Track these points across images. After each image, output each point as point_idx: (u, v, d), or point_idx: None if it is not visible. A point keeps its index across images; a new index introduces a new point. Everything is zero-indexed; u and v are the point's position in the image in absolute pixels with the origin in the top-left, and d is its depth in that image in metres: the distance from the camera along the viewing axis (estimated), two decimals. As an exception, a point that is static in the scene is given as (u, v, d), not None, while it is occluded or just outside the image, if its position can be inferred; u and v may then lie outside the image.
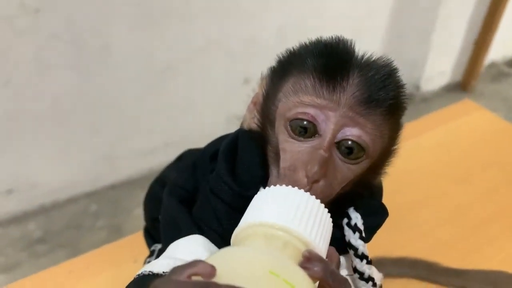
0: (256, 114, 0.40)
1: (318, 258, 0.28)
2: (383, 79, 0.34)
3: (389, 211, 0.66)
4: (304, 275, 0.28)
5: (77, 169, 1.47)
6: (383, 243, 0.62)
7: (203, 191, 0.41)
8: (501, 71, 2.20)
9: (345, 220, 0.39)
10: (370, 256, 0.56)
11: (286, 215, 0.30)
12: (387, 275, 0.58)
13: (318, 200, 0.32)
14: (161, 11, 1.31)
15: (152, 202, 0.49)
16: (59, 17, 1.19)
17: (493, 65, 2.19)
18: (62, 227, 1.42)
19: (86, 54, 1.28)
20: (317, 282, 0.29)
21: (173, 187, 0.44)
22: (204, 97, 1.45)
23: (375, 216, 0.40)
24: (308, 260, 0.28)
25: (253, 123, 0.40)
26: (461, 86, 2.08)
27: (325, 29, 1.66)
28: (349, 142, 0.34)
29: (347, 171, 0.35)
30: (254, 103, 0.41)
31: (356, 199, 0.39)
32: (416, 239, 0.65)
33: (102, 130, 1.44)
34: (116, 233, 1.40)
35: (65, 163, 1.44)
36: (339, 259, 0.32)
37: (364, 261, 0.39)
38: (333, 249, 0.32)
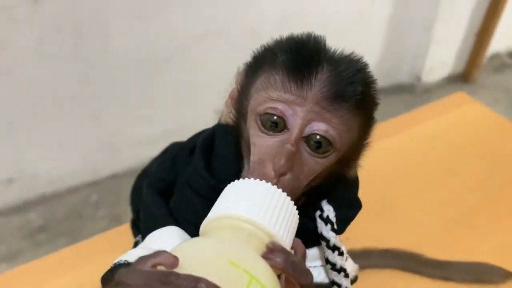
0: (232, 109, 0.41)
1: (281, 249, 0.30)
2: (351, 75, 0.35)
3: (376, 202, 0.67)
4: (266, 265, 0.29)
5: (78, 159, 1.47)
6: (370, 233, 0.63)
7: (181, 184, 0.42)
8: (504, 62, 2.20)
9: (318, 213, 0.40)
10: (357, 247, 0.57)
11: (252, 207, 0.31)
12: (373, 266, 0.60)
13: (284, 193, 0.32)
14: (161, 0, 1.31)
15: (137, 194, 0.50)
16: (58, 6, 1.18)
17: (495, 56, 2.18)
18: (63, 217, 1.43)
19: (86, 44, 1.28)
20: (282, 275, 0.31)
21: (153, 179, 0.45)
22: (204, 86, 1.45)
23: (348, 208, 0.41)
24: (271, 251, 0.29)
25: (229, 118, 0.41)
26: (463, 77, 2.07)
27: (326, 18, 1.66)
28: (316, 137, 0.35)
29: (314, 164, 0.36)
30: (231, 98, 0.42)
31: (330, 192, 0.40)
32: (402, 230, 0.66)
33: (103, 120, 1.44)
34: (117, 222, 1.40)
35: (66, 152, 1.44)
36: (304, 250, 0.33)
37: (336, 252, 0.40)
38: (298, 240, 0.33)
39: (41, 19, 1.18)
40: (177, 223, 0.40)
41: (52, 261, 0.60)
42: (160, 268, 0.27)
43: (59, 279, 0.58)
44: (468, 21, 1.91)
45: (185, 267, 0.26)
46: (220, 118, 0.43)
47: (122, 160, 1.52)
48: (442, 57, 1.97)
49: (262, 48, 0.39)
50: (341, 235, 0.62)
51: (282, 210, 0.32)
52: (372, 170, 0.74)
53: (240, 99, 0.39)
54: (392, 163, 0.78)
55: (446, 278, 0.59)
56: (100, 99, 1.40)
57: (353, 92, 0.35)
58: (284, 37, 0.38)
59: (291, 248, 0.32)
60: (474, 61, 2.00)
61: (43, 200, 1.46)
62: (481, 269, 0.59)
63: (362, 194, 0.69)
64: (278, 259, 0.29)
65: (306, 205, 0.39)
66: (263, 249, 0.30)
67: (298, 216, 0.34)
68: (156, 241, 0.39)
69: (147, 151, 1.58)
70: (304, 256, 0.33)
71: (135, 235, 0.52)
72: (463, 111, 0.91)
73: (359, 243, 0.61)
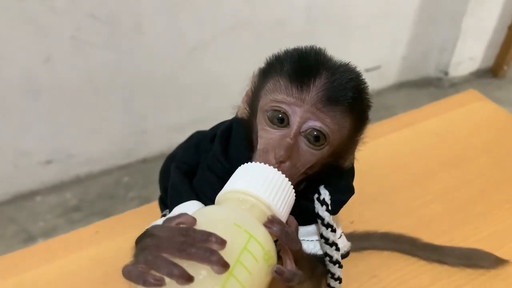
0: (246, 106, 0.48)
1: (278, 221, 0.37)
2: (344, 82, 0.41)
3: (379, 191, 0.74)
4: (265, 231, 0.36)
5: (111, 143, 1.55)
6: (372, 219, 0.69)
7: (202, 167, 0.50)
8: (536, 56, 2.15)
9: (316, 195, 0.47)
10: (359, 229, 0.65)
11: (255, 184, 0.38)
12: (373, 247, 0.65)
13: (283, 175, 0.39)
14: (192, -9, 1.35)
15: (165, 175, 0.57)
16: (94, -3, 1.24)
17: (527, 50, 2.14)
18: (96, 197, 1.51)
19: (120, 33, 1.34)
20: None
21: (179, 162, 0.53)
22: (231, 76, 1.50)
23: (342, 193, 0.48)
24: (270, 222, 0.37)
25: (243, 114, 0.48)
26: (492, 72, 2.05)
27: (352, 10, 1.67)
28: (313, 132, 0.42)
29: (310, 155, 0.43)
30: (246, 96, 0.49)
31: (327, 179, 0.47)
32: (402, 217, 0.70)
33: (135, 106, 1.50)
34: (146, 203, 1.46)
35: (100, 136, 1.51)
36: (297, 225, 0.40)
37: (329, 229, 0.47)
38: (292, 217, 0.40)
39: (79, 9, 1.24)
40: (198, 198, 0.48)
41: (90, 232, 0.68)
42: (182, 226, 0.34)
43: (96, 246, 0.65)
44: (499, 14, 1.88)
45: (200, 226, 0.34)
46: (237, 113, 0.50)
47: (152, 145, 1.58)
48: (471, 51, 1.94)
49: (273, 56, 0.46)
50: (345, 219, 0.68)
51: (280, 188, 0.39)
52: (376, 162, 0.80)
53: (253, 98, 0.46)
54: (396, 155, 0.82)
55: (441, 262, 0.63)
56: (132, 86, 1.46)
57: (345, 97, 0.41)
58: (291, 48, 0.45)
59: (287, 222, 0.40)
60: (505, 55, 1.97)
61: (78, 181, 1.55)
62: (473, 255, 0.62)
63: (367, 183, 0.74)
64: (275, 228, 0.36)
65: (307, 189, 0.47)
66: (264, 218, 0.37)
67: (294, 195, 0.41)
68: (181, 211, 0.45)
69: (176, 137, 1.63)
70: (296, 229, 0.40)
71: (162, 210, 0.60)
72: (473, 108, 0.92)
73: (362, 227, 0.66)
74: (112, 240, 0.66)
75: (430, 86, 1.99)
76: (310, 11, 1.58)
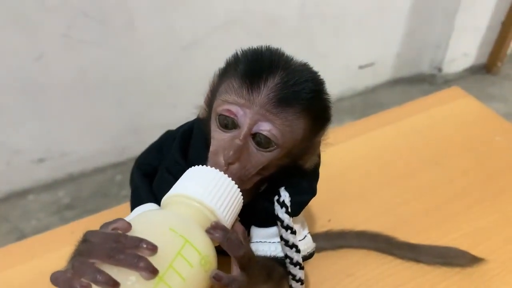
0: (205, 106, 0.48)
1: (221, 227, 0.37)
2: (298, 84, 0.41)
3: (357, 190, 0.74)
4: (204, 236, 0.36)
5: (104, 141, 1.55)
6: (349, 217, 0.69)
7: (162, 168, 0.51)
8: (531, 53, 2.15)
9: (276, 197, 0.47)
10: (337, 228, 0.65)
11: (199, 188, 0.38)
12: (349, 246, 0.65)
13: (229, 178, 0.39)
14: (183, -11, 1.35)
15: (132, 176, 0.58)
16: (86, -6, 1.24)
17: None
18: (89, 195, 1.51)
19: (112, 30, 1.34)
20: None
21: (140, 164, 0.55)
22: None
23: (302, 195, 0.48)
24: (212, 228, 0.37)
25: (203, 114, 0.48)
26: (486, 68, 2.04)
27: (346, 6, 1.67)
28: (260, 135, 0.41)
29: (260, 157, 0.42)
30: (206, 96, 0.49)
31: (288, 181, 0.47)
32: (380, 215, 0.70)
33: (128, 104, 1.50)
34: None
35: (93, 134, 1.52)
36: (243, 230, 0.40)
37: (289, 231, 0.47)
38: (239, 223, 0.41)
39: (70, 6, 1.24)
40: (156, 200, 0.48)
41: (65, 232, 0.70)
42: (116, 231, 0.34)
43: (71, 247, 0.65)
44: (493, 11, 1.87)
45: (135, 231, 0.34)
46: (198, 113, 0.50)
47: (146, 142, 1.57)
48: (464, 47, 1.94)
49: (232, 57, 0.45)
50: (323, 217, 0.68)
51: (225, 192, 0.39)
52: (357, 160, 0.80)
53: (210, 99, 0.46)
54: (378, 153, 0.81)
55: (417, 260, 0.63)
56: (125, 84, 1.45)
57: (298, 98, 0.41)
58: (249, 48, 0.44)
59: (233, 227, 0.40)
60: (499, 51, 1.96)
61: (71, 179, 1.55)
62: (449, 253, 0.62)
63: (346, 181, 0.75)
64: (217, 234, 0.36)
65: (269, 191, 0.47)
66: (207, 223, 0.37)
67: (242, 199, 0.40)
68: (135, 214, 0.47)
69: (170, 135, 1.65)
70: (243, 235, 0.40)
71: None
72: (456, 105, 0.92)
73: (340, 225, 0.66)
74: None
75: (424, 83, 1.99)
76: (303, 7, 1.57)
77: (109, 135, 1.54)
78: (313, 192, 0.49)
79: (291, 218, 0.46)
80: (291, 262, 0.48)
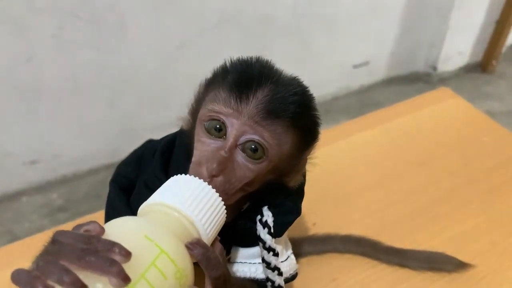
0: (189, 117, 0.46)
1: (202, 245, 0.35)
2: (287, 96, 0.39)
3: (343, 193, 0.72)
4: (182, 248, 0.34)
5: (97, 142, 1.54)
6: (335, 221, 0.68)
7: (140, 182, 0.49)
8: (525, 51, 2.15)
9: (259, 217, 0.45)
10: (322, 232, 0.63)
11: (180, 197, 0.36)
12: (334, 250, 0.63)
13: (213, 189, 0.37)
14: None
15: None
16: (76, -4, 1.23)
17: (516, 45, 2.13)
18: (83, 197, 1.50)
19: (103, 31, 1.33)
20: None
21: (118, 176, 0.52)
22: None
23: (286, 215, 0.46)
24: (193, 244, 0.35)
25: (187, 125, 0.46)
26: (481, 67, 2.04)
27: (340, 6, 1.66)
28: (250, 143, 0.40)
29: (246, 170, 0.40)
30: (191, 107, 0.47)
31: (272, 200, 0.45)
32: (365, 219, 0.69)
33: (120, 105, 1.49)
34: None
35: (85, 136, 1.51)
36: (221, 249, 0.38)
37: (271, 253, 0.45)
38: (218, 242, 0.38)
39: (60, 7, 1.23)
40: (134, 215, 0.46)
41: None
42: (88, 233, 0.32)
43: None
44: (487, 9, 1.86)
45: (108, 235, 0.31)
46: (182, 125, 0.48)
47: (138, 144, 1.56)
48: (459, 46, 1.93)
49: (220, 67, 0.44)
50: (308, 221, 0.67)
51: (208, 203, 0.36)
52: (344, 162, 0.79)
53: (194, 109, 0.45)
54: (364, 155, 0.81)
55: (402, 265, 0.62)
56: (118, 85, 1.45)
57: (286, 111, 0.39)
58: (238, 59, 0.43)
59: (212, 244, 0.38)
60: (493, 50, 1.95)
61: (64, 181, 1.54)
62: (436, 258, 0.61)
63: (332, 184, 0.74)
64: (197, 251, 0.34)
65: (251, 209, 0.46)
66: (186, 234, 0.35)
67: (225, 213, 0.38)
68: None
69: (162, 135, 1.64)
70: (221, 254, 0.38)
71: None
72: (444, 105, 0.91)
73: (325, 229, 0.65)
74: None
75: (419, 82, 1.98)
76: (297, 6, 1.56)
77: (102, 136, 1.53)
78: (297, 212, 0.47)
79: (273, 239, 0.45)
80: (273, 286, 0.46)
